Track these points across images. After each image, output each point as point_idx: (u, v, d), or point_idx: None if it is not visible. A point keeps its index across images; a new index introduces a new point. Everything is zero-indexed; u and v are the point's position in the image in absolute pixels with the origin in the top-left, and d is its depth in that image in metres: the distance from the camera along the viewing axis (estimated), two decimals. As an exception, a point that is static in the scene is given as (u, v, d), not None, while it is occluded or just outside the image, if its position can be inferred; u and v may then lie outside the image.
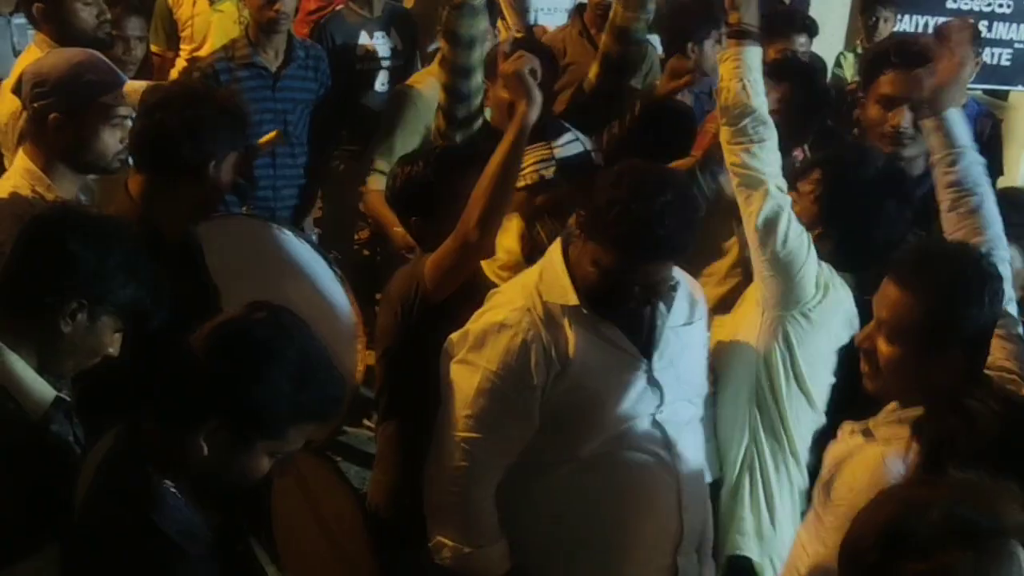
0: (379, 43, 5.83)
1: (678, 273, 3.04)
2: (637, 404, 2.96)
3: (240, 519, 2.46)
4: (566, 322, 2.91)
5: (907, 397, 2.59)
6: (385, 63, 5.84)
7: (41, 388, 2.57)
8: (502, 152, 3.09)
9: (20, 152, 3.40)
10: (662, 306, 2.98)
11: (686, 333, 3.06)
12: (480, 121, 4.04)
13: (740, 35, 3.23)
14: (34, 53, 4.39)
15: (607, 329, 2.92)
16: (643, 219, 2.73)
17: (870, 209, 3.22)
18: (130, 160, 3.32)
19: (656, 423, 2.99)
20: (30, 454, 2.52)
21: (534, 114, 3.14)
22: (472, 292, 3.15)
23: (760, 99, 3.20)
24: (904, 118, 3.48)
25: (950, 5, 7.44)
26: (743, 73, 3.18)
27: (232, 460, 2.29)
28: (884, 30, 7.08)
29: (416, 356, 3.16)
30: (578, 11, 5.95)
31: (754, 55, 3.22)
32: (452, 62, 3.93)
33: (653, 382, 2.97)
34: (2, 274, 2.63)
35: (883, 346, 2.60)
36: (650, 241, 2.75)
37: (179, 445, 2.27)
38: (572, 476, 2.99)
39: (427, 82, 5.18)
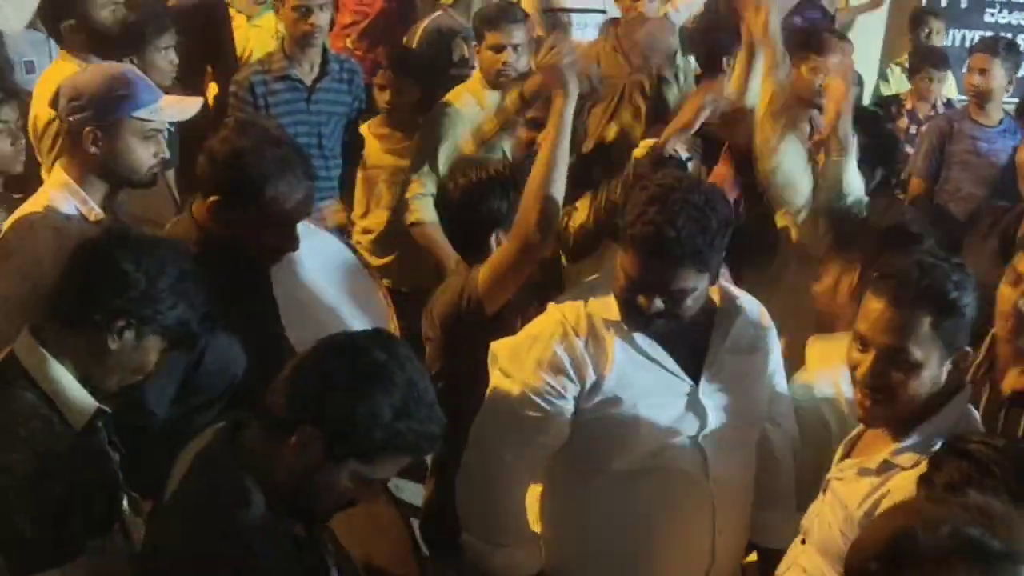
0: (471, 53, 5.93)
1: (746, 300, 3.04)
2: (676, 424, 2.92)
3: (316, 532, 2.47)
4: (608, 335, 2.90)
5: (912, 416, 2.61)
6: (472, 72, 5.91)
7: (83, 398, 2.60)
8: (548, 148, 3.12)
9: (56, 165, 3.43)
10: (718, 330, 2.96)
11: (746, 360, 3.01)
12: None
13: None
14: (60, 67, 4.46)
15: (649, 347, 2.90)
16: (657, 221, 2.71)
17: None
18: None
19: (697, 445, 2.94)
20: (71, 464, 2.54)
21: (571, 106, 3.16)
22: (518, 308, 3.18)
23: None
24: None
25: (988, 19, 7.45)
26: None
27: (317, 474, 2.31)
28: (936, 41, 7.07)
29: (461, 375, 3.16)
30: (612, 25, 5.95)
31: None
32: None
33: (697, 404, 2.93)
34: (54, 287, 2.67)
35: (897, 375, 2.57)
36: (661, 242, 2.72)
37: (273, 450, 2.30)
38: (604, 489, 2.96)
39: (463, 98, 5.21)
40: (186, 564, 2.25)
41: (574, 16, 6.89)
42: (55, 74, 4.39)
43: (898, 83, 7.29)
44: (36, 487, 2.46)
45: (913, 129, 6.61)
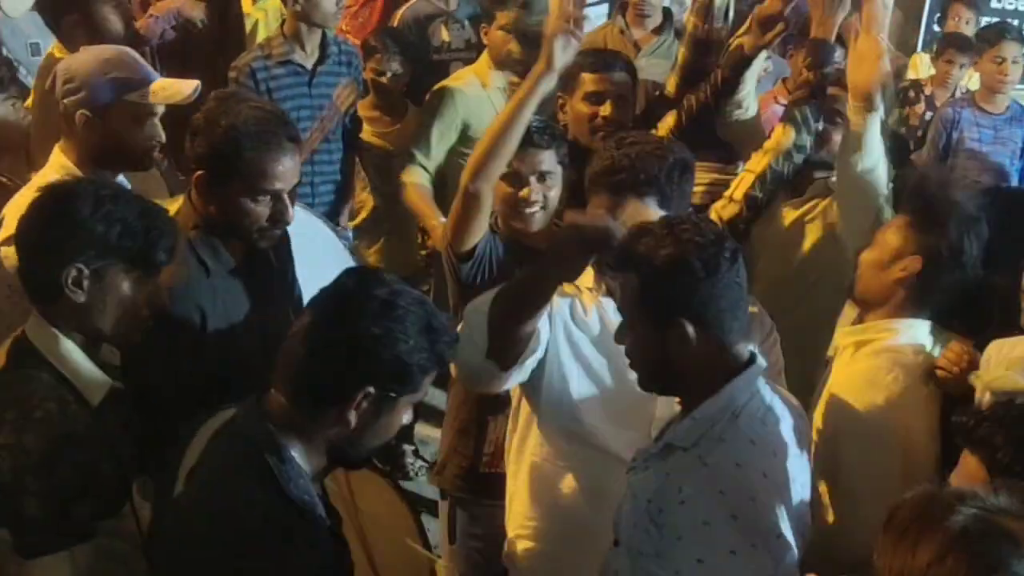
0: (455, 35, 5.97)
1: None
2: (625, 402, 2.91)
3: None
4: (590, 302, 2.97)
5: (660, 383, 2.59)
6: (460, 55, 5.93)
7: (97, 375, 2.63)
8: (511, 106, 3.14)
9: (56, 148, 3.44)
10: None
11: None
12: None
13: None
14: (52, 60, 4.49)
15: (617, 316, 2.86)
16: (613, 155, 2.94)
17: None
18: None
19: (647, 434, 2.86)
20: (86, 445, 2.55)
21: (549, 77, 3.14)
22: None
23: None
24: None
25: (994, 4, 7.41)
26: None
27: (378, 422, 2.36)
28: (967, 31, 7.02)
29: None
30: (620, 9, 5.93)
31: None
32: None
33: None
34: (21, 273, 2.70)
35: (627, 338, 2.59)
36: (616, 169, 2.90)
37: (321, 420, 2.33)
38: (553, 461, 3.01)
39: (467, 79, 5.25)
40: (223, 538, 2.25)
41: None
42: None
43: (926, 71, 7.24)
44: (49, 469, 2.48)
45: (929, 115, 6.57)
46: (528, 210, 3.39)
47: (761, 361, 2.57)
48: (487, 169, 3.15)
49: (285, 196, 3.03)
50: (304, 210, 3.87)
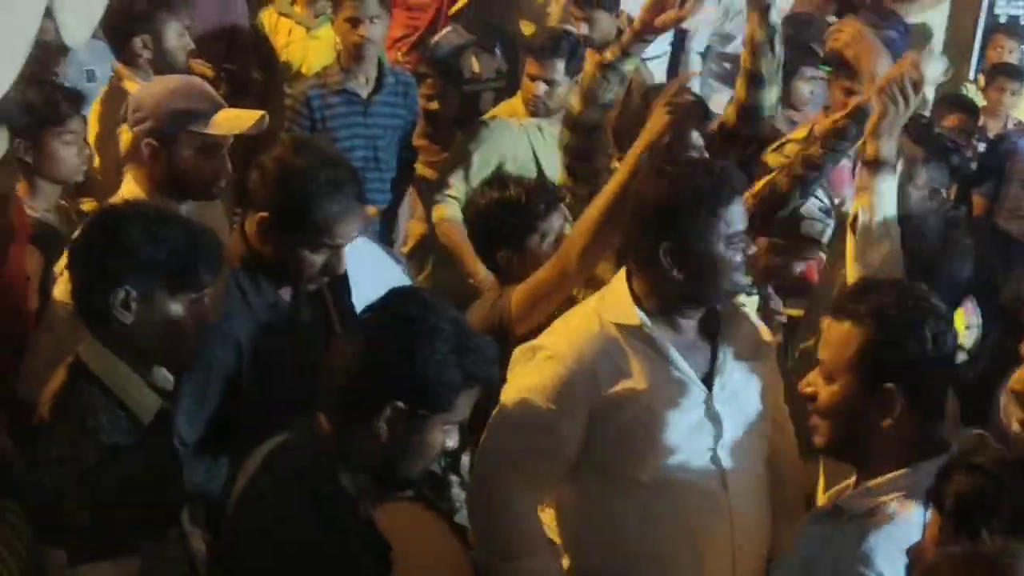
0: (485, 64, 5.97)
1: (750, 309, 3.04)
2: (694, 434, 2.87)
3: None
4: (625, 342, 2.86)
5: (854, 451, 2.52)
6: (491, 84, 5.93)
7: (148, 394, 2.65)
8: (613, 184, 3.08)
9: (128, 176, 3.49)
10: (724, 336, 2.93)
11: (752, 367, 2.98)
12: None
13: (876, 166, 3.07)
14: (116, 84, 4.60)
15: (668, 351, 2.87)
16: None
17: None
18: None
19: (715, 458, 2.89)
20: (134, 458, 2.58)
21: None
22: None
23: (894, 237, 3.10)
24: None
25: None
26: (878, 206, 3.06)
27: (411, 441, 2.40)
28: (1010, 60, 7.06)
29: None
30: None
31: (890, 186, 3.08)
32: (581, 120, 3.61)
33: (712, 413, 2.88)
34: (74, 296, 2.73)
35: (823, 389, 2.52)
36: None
37: (356, 439, 2.38)
38: (622, 503, 2.91)
39: (503, 116, 5.23)
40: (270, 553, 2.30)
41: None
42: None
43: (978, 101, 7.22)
44: (97, 479, 2.50)
45: (982, 147, 6.53)
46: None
47: (955, 450, 2.46)
48: (594, 252, 3.09)
49: (342, 250, 3.07)
50: (364, 238, 3.86)
